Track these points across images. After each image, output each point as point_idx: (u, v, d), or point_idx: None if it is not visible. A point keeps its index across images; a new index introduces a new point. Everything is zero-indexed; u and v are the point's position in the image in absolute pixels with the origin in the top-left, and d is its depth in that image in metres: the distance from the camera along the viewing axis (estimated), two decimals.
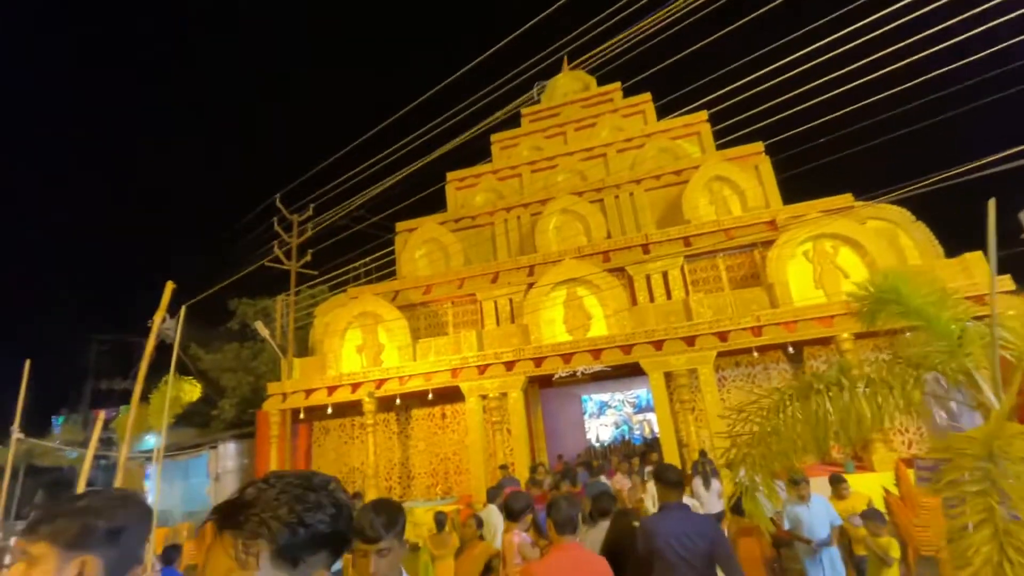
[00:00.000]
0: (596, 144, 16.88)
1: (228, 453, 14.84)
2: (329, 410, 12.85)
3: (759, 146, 14.42)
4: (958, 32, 7.44)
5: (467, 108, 13.76)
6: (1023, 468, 1.92)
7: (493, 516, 6.14)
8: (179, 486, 15.63)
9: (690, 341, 10.95)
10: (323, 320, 14.73)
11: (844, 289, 10.67)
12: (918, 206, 12.15)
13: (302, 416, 13.08)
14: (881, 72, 8.52)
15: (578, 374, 11.31)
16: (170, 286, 6.89)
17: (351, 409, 13.67)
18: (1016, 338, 2.60)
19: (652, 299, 12.41)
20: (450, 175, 18.03)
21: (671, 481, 2.98)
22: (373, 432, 12.58)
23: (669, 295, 12.38)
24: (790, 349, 10.54)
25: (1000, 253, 10.73)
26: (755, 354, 10.62)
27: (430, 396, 12.26)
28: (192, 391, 12.85)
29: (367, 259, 14.63)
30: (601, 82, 19.15)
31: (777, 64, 9.19)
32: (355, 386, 12.78)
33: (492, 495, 6.99)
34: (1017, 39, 7.10)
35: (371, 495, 11.92)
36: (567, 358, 11.52)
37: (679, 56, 10.44)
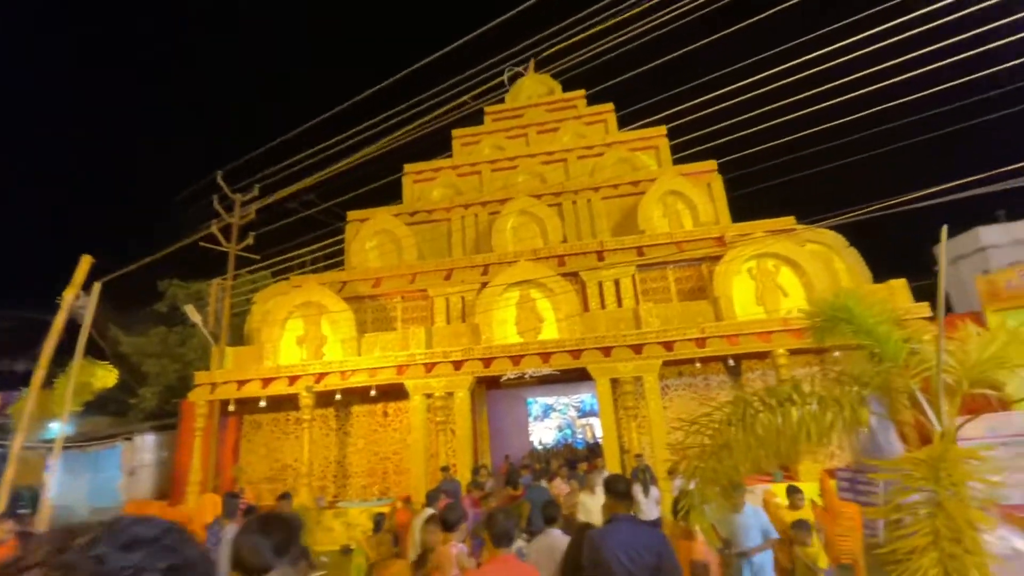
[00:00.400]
0: (557, 148, 16.95)
1: (146, 445, 13.69)
2: (262, 403, 12.13)
3: (712, 164, 14.95)
4: (903, 70, 7.93)
5: (429, 100, 13.41)
6: (967, 492, 1.97)
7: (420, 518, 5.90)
8: (86, 480, 14.27)
9: (637, 349, 11.14)
10: (262, 308, 13.93)
11: (783, 307, 11.24)
12: (851, 233, 13.02)
13: (231, 408, 12.26)
14: (827, 103, 8.98)
15: (526, 376, 11.25)
16: (86, 260, 6.21)
17: (287, 403, 12.97)
18: (956, 363, 2.70)
19: (603, 306, 12.56)
20: (408, 167, 17.56)
21: (620, 492, 2.90)
22: (309, 428, 11.98)
23: (620, 303, 12.57)
24: (731, 362, 10.94)
25: (914, 284, 11.53)
26: (698, 365, 10.95)
27: (373, 393, 11.82)
28: (106, 376, 11.77)
29: (313, 247, 13.96)
30: (566, 89, 19.28)
31: (736, 85, 9.50)
32: (293, 379, 12.13)
33: (431, 498, 6.75)
34: (956, 81, 7.65)
35: (304, 495, 11.35)
36: (516, 360, 11.43)
37: (642, 69, 10.58)
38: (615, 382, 11.24)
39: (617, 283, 12.83)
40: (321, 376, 12.06)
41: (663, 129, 16.59)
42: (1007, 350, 2.55)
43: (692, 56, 9.98)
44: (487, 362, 11.56)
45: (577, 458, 13.95)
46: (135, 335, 16.87)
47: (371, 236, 15.00)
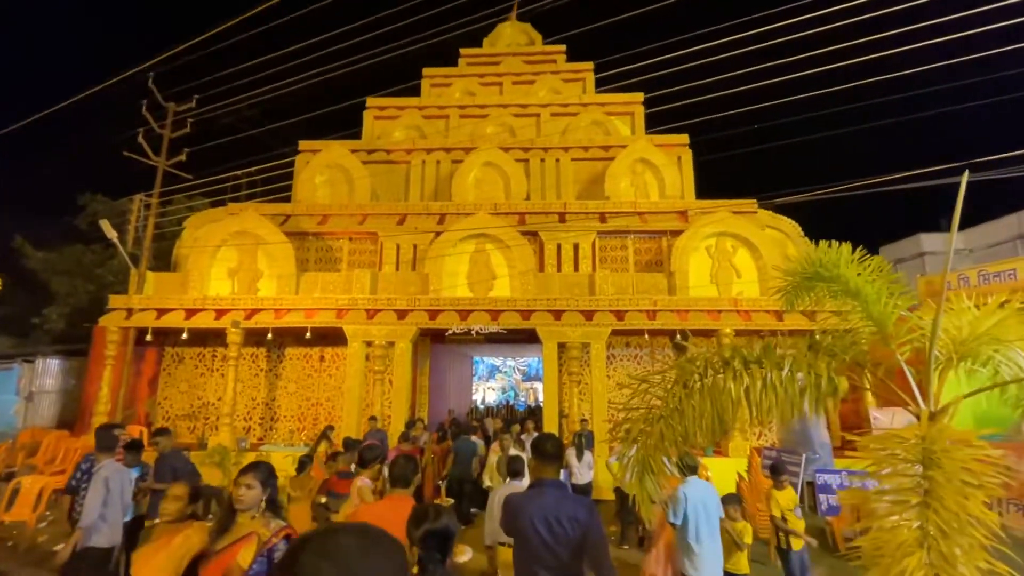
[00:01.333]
0: (532, 102, 16.14)
1: (48, 370, 12.47)
2: (185, 336, 11.17)
3: (685, 138, 14.64)
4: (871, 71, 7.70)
5: (400, 31, 12.23)
6: (961, 481, 1.70)
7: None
8: None
9: (589, 315, 10.93)
10: (193, 233, 12.71)
11: (735, 288, 11.25)
12: (803, 223, 13.16)
13: (149, 339, 11.24)
14: (802, 95, 8.71)
15: (473, 333, 10.85)
16: None
17: (213, 338, 12.06)
18: (948, 337, 2.44)
19: (559, 269, 12.23)
20: (370, 101, 16.31)
21: (547, 454, 2.54)
22: (236, 366, 11.18)
23: (577, 267, 12.26)
24: (678, 336, 10.92)
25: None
26: (646, 336, 10.88)
27: (308, 335, 11.11)
28: None
29: (255, 173, 12.69)
30: (547, 42, 18.28)
31: (713, 59, 9.05)
32: (221, 312, 11.20)
33: (349, 445, 6.32)
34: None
35: (224, 435, 10.69)
36: (464, 315, 10.98)
37: (627, 34, 9.92)
38: (562, 346, 11.04)
39: (576, 247, 12.48)
40: (253, 312, 11.20)
41: (640, 96, 16.11)
42: (1003, 326, 2.31)
43: (676, 26, 9.41)
44: (433, 314, 11.05)
45: (515, 420, 13.88)
46: (47, 250, 15.13)
47: (322, 169, 13.88)
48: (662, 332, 11.22)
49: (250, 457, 10.32)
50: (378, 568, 0.84)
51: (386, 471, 4.28)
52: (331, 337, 12.05)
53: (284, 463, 10.17)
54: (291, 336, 12.28)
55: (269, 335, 11.20)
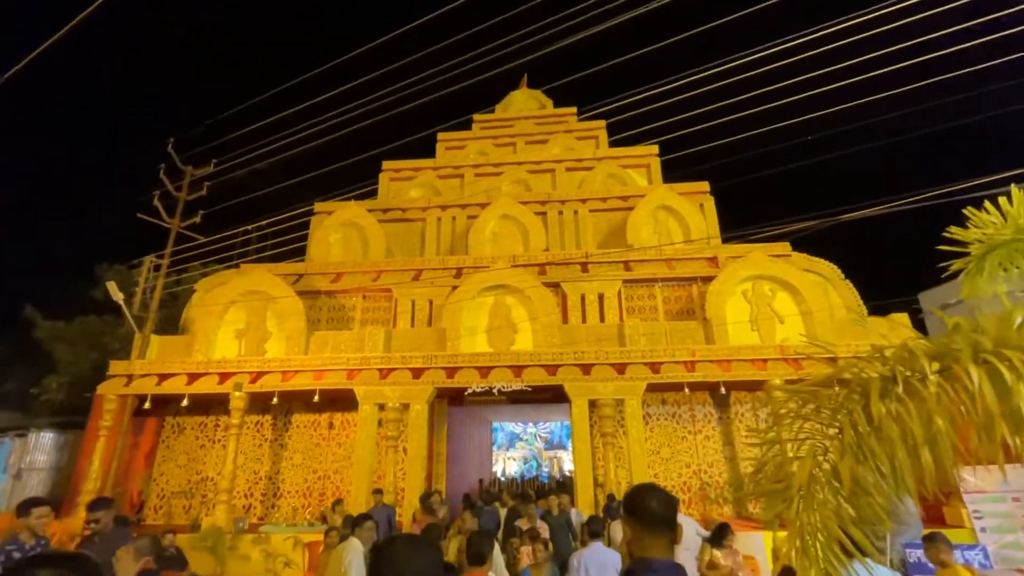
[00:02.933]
0: (546, 159, 16.16)
1: (41, 445, 11.65)
2: (185, 402, 10.39)
3: (705, 185, 14.31)
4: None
5: (413, 98, 12.44)
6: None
7: (349, 553, 4.47)
8: None
9: (621, 369, 9.99)
10: (203, 296, 12.29)
11: (778, 335, 10.30)
12: (845, 267, 12.35)
13: (147, 407, 10.48)
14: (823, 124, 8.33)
15: (495, 392, 9.92)
16: None
17: (217, 406, 11.27)
18: None
19: (584, 320, 11.44)
20: (386, 164, 16.48)
21: (656, 517, 1.71)
22: (237, 435, 10.28)
23: (603, 318, 11.47)
24: (722, 390, 9.87)
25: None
26: (686, 391, 9.83)
27: (316, 398, 10.26)
28: None
29: (268, 232, 12.45)
30: (558, 107, 18.72)
31: (729, 101, 8.83)
32: (225, 376, 10.49)
33: (352, 523, 5.32)
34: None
35: (220, 514, 9.58)
36: (484, 372, 10.12)
37: (638, 95, 9.83)
38: (593, 404, 10.01)
39: (601, 298, 11.76)
40: (258, 375, 10.46)
41: (655, 148, 16.06)
42: None
43: (688, 78, 9.29)
44: (451, 372, 10.20)
45: (543, 492, 12.50)
46: (55, 319, 14.83)
47: (336, 228, 13.67)
48: (703, 386, 10.17)
49: (248, 540, 9.19)
50: (421, 562, 1.40)
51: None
52: (341, 401, 11.19)
53: (284, 546, 9.02)
54: (299, 401, 11.43)
55: (274, 399, 10.37)
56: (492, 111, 19.43)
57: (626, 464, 10.37)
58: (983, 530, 8.48)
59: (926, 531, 7.75)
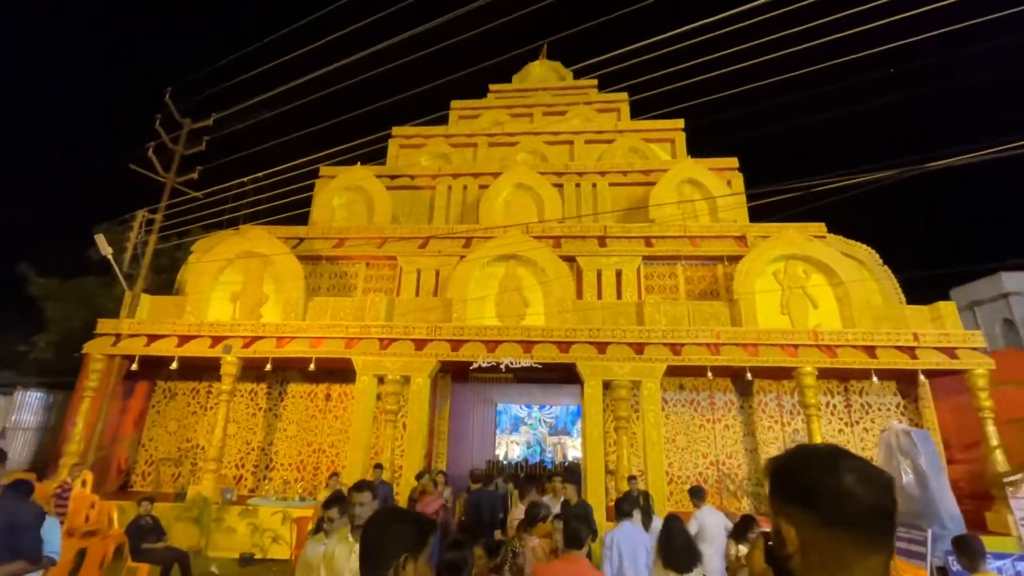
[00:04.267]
0: (564, 130, 15.30)
1: (27, 404, 11.20)
2: (174, 365, 9.83)
3: (734, 161, 13.41)
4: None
5: (427, 68, 11.53)
6: None
7: (335, 543, 3.78)
8: None
9: (639, 349, 9.27)
10: (200, 258, 11.68)
11: (811, 320, 9.53)
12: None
13: (135, 368, 9.93)
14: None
15: (503, 367, 9.25)
16: None
17: (210, 372, 10.72)
18: None
19: (600, 297, 10.70)
20: (396, 130, 15.69)
21: None
22: (228, 403, 9.73)
23: (620, 296, 10.74)
24: (748, 376, 9.13)
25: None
26: (709, 375, 9.11)
27: (312, 366, 9.65)
28: None
29: (270, 195, 11.71)
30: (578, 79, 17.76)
31: (765, 80, 7.94)
32: (217, 340, 9.91)
33: (340, 505, 4.66)
34: None
35: (207, 484, 9.07)
36: (492, 347, 9.44)
37: (661, 72, 8.91)
38: (607, 386, 9.33)
39: (619, 274, 11.01)
40: (252, 340, 9.86)
41: (680, 122, 15.15)
42: None
43: (713, 50, 8.36)
44: (456, 345, 9.54)
45: (544, 477, 11.88)
46: (47, 276, 14.31)
47: (341, 192, 12.97)
48: (727, 370, 9.43)
49: (235, 512, 8.66)
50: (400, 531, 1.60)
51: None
52: (339, 372, 10.59)
53: (272, 520, 8.49)
54: (295, 370, 10.85)
55: (268, 366, 9.77)
56: (509, 82, 18.53)
57: (639, 451, 9.72)
58: None
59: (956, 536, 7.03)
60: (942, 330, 9.14)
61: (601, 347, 9.35)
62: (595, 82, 17.27)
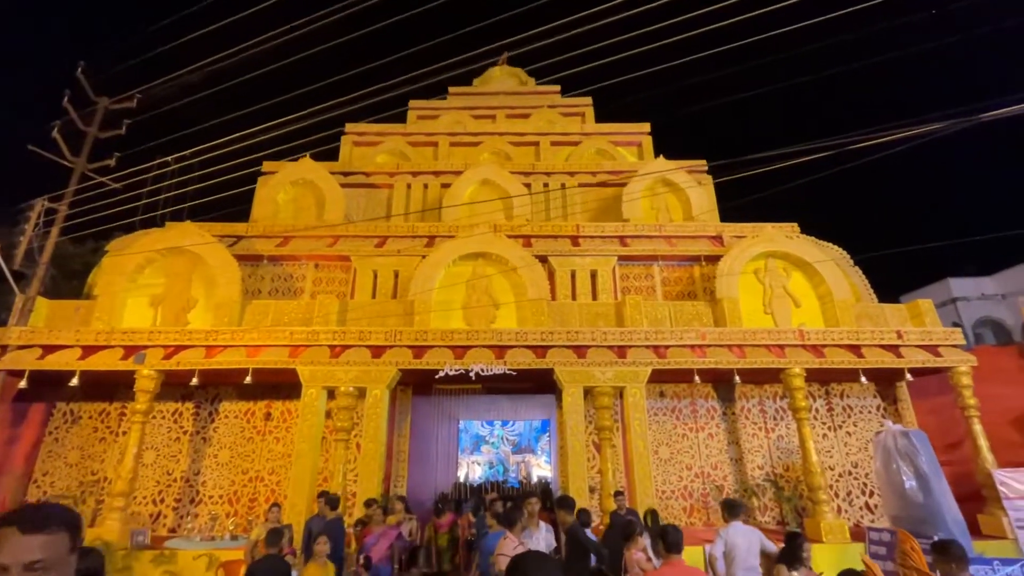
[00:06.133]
0: (530, 131, 14.70)
1: None
2: (75, 380, 8.18)
3: (703, 163, 13.16)
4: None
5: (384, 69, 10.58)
6: None
7: None
8: None
9: (621, 352, 8.52)
10: (113, 258, 10.04)
11: (794, 319, 9.12)
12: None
13: (23, 385, 8.19)
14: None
15: (472, 375, 8.23)
16: None
17: (123, 390, 9.11)
18: None
19: (575, 299, 9.95)
20: (349, 126, 14.59)
21: None
22: (142, 425, 8.16)
23: (595, 298, 10.03)
24: (736, 379, 8.55)
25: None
26: (697, 379, 8.45)
27: (248, 379, 8.26)
28: None
29: (202, 187, 10.20)
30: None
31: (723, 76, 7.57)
32: (132, 350, 8.36)
33: (273, 538, 3.58)
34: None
35: (111, 525, 7.45)
36: (460, 353, 8.43)
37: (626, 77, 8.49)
38: (587, 393, 8.50)
39: (594, 275, 10.32)
40: (176, 350, 8.38)
41: (647, 126, 14.92)
42: None
43: (682, 55, 8.01)
44: (419, 351, 8.45)
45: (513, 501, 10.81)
46: None
47: (286, 186, 11.69)
48: (712, 374, 8.83)
49: (146, 558, 7.12)
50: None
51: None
52: (282, 387, 9.24)
53: (194, 567, 7.01)
54: (229, 386, 9.40)
55: (195, 380, 8.29)
56: (470, 84, 17.89)
57: (620, 465, 8.91)
58: None
59: (936, 539, 6.59)
60: (923, 328, 8.95)
61: (580, 351, 8.53)
62: (558, 87, 16.89)
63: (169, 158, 8.57)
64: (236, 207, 12.29)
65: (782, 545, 4.69)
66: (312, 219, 11.32)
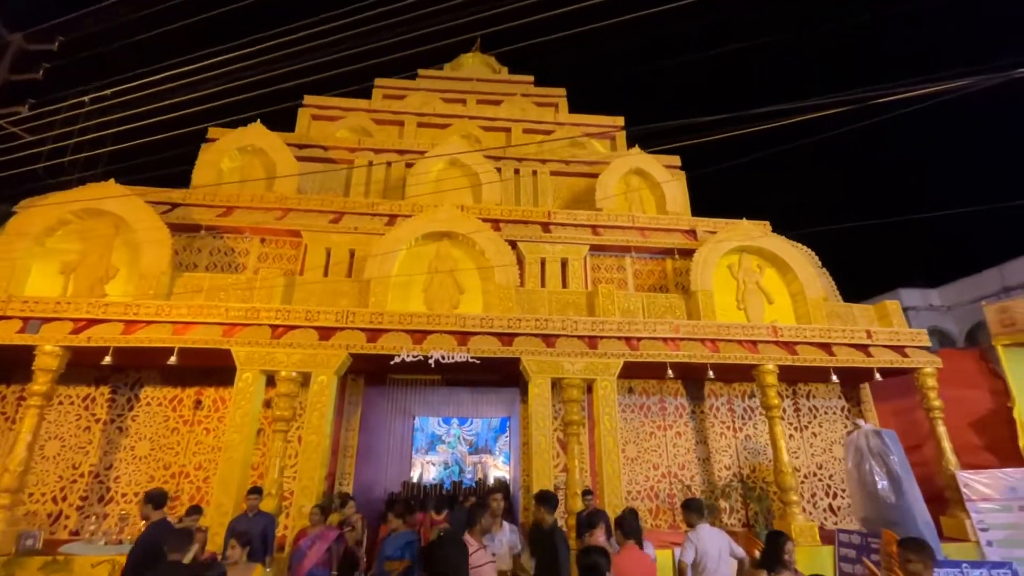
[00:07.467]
0: (502, 116, 14.14)
1: None
2: None
3: (676, 159, 12.95)
4: None
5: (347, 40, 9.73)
6: None
7: None
8: None
9: (592, 343, 8.02)
10: (20, 220, 8.73)
11: (767, 316, 8.89)
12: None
13: None
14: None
15: (431, 363, 7.51)
16: None
17: (20, 369, 7.83)
18: None
19: (544, 287, 9.40)
20: (308, 98, 13.61)
21: None
22: (40, 410, 7.00)
23: (565, 287, 9.52)
24: (710, 374, 8.20)
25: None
26: (670, 373, 8.04)
27: (174, 359, 7.22)
28: None
29: (132, 144, 9.00)
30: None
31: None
32: (31, 321, 7.17)
33: (176, 542, 2.84)
34: None
35: None
36: (419, 338, 7.69)
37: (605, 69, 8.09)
38: (555, 385, 7.94)
39: (564, 264, 9.82)
40: (88, 324, 7.26)
41: (621, 120, 14.63)
42: None
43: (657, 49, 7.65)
44: (374, 335, 7.66)
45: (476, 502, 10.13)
46: None
47: (232, 153, 10.62)
48: (685, 369, 8.45)
49: (34, 565, 6.02)
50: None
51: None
52: (217, 373, 8.23)
53: (92, 574, 5.97)
54: (153, 369, 8.31)
55: (108, 358, 7.17)
56: (440, 69, 17.18)
57: (586, 463, 8.40)
58: (989, 544, 7.42)
59: (886, 533, 6.42)
60: (891, 328, 8.90)
61: (549, 340, 7.97)
62: (531, 77, 16.44)
63: (86, 98, 7.43)
64: (171, 173, 11.13)
65: (756, 551, 4.26)
66: (260, 190, 10.30)
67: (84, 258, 8.02)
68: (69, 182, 8.23)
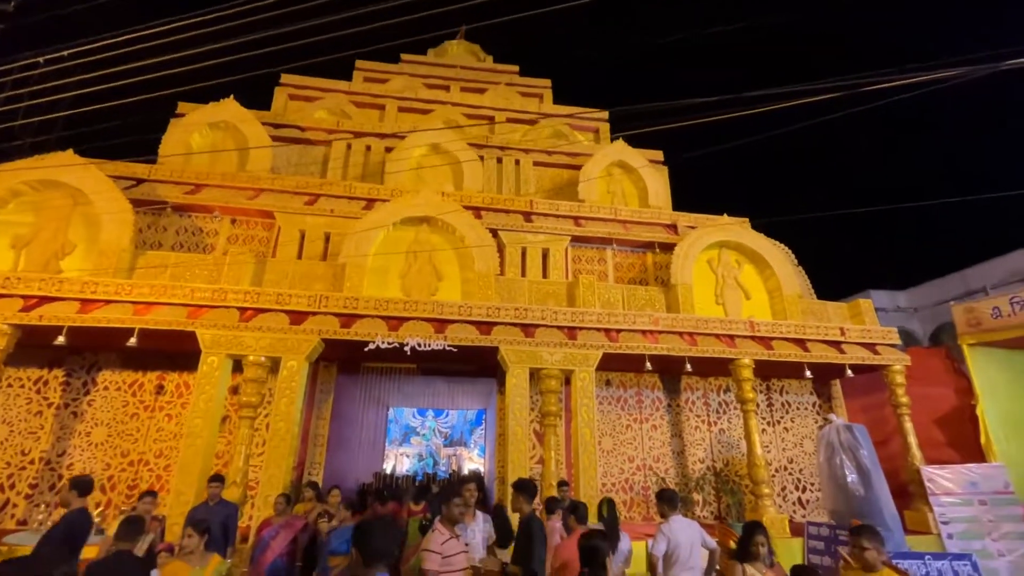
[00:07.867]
0: (486, 104, 13.91)
1: None
2: None
3: (659, 154, 12.96)
4: None
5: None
6: None
7: None
8: None
9: (571, 333, 7.93)
10: None
11: (745, 311, 8.95)
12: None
13: None
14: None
15: (407, 350, 7.32)
16: None
17: None
18: None
19: (525, 277, 9.28)
20: (286, 77, 13.16)
21: None
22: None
23: (546, 277, 9.42)
24: (688, 367, 8.21)
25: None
26: (648, 366, 8.01)
27: (134, 340, 6.86)
28: None
29: (80, 113, 8.47)
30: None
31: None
32: None
33: (127, 531, 2.65)
34: None
35: None
36: (395, 324, 7.48)
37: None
38: (533, 376, 7.84)
39: (546, 254, 9.72)
40: (40, 301, 6.84)
41: (605, 113, 14.55)
42: None
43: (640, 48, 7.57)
44: (348, 320, 7.42)
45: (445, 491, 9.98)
46: None
47: (203, 128, 10.17)
48: (663, 362, 8.44)
49: None
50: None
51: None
52: (181, 358, 7.89)
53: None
54: (112, 352, 7.90)
55: (60, 338, 6.76)
56: (424, 54, 16.83)
57: (562, 456, 8.34)
58: (950, 536, 7.62)
59: (855, 524, 6.55)
60: (863, 326, 9.06)
61: (529, 330, 7.86)
62: (516, 67, 16.24)
63: (40, 59, 6.93)
64: (135, 145, 10.61)
65: (731, 541, 4.22)
66: (232, 169, 9.89)
67: (38, 232, 7.55)
68: (20, 147, 7.71)
